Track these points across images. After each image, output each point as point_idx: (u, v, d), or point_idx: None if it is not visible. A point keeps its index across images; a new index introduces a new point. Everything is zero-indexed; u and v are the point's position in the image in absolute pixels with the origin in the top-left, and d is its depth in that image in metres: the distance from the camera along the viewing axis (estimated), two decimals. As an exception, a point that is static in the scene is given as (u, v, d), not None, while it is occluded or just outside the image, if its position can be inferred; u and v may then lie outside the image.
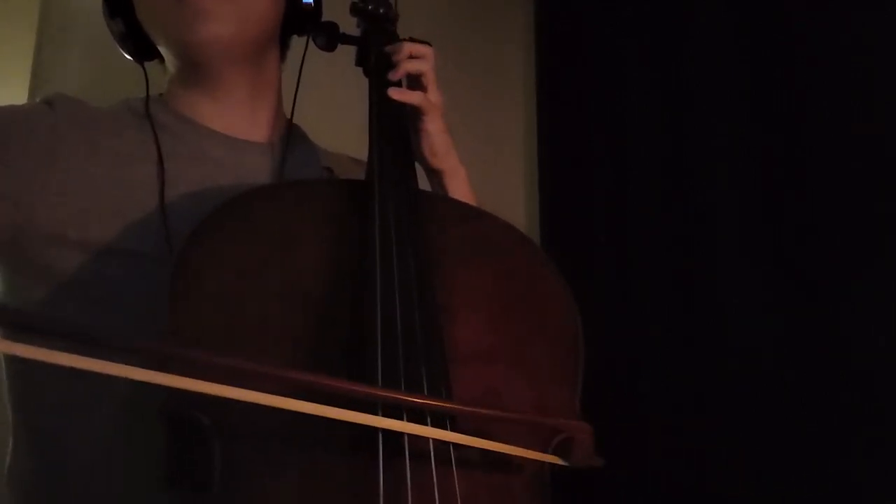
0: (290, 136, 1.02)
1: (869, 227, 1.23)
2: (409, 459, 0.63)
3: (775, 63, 1.42)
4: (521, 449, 0.68)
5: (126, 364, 0.53)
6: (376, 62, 0.99)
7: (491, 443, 0.66)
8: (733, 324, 1.41)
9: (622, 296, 1.64)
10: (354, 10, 1.05)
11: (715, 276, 1.47)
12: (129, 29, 0.96)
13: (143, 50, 0.98)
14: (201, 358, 0.56)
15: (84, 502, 0.81)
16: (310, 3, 1.00)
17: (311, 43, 1.05)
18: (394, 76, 0.97)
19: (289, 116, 1.03)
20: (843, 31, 1.31)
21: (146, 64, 1.00)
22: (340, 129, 1.10)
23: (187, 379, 0.55)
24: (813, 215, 1.31)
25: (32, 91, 1.50)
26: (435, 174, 1.03)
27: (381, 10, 1.04)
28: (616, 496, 1.42)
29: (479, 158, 1.14)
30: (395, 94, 0.95)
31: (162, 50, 0.97)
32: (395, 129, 0.93)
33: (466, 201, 1.00)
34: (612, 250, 1.70)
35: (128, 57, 1.01)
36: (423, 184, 0.98)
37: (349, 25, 1.06)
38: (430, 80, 0.99)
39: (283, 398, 0.57)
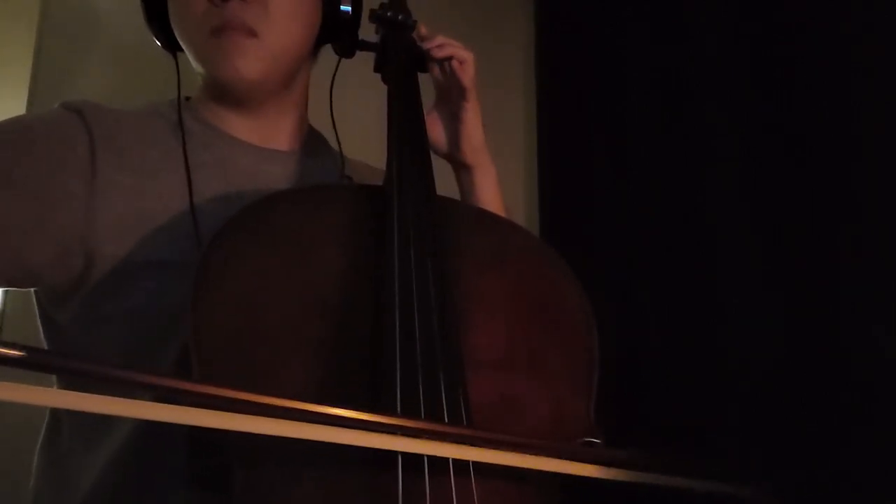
0: (312, 144, 1.02)
1: (869, 227, 1.23)
2: (428, 475, 0.63)
3: (775, 63, 1.43)
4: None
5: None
6: (394, 69, 0.99)
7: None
8: (733, 324, 1.41)
9: (622, 296, 1.64)
10: (373, 16, 1.05)
11: (715, 276, 1.47)
12: (162, 19, 0.95)
13: (176, 42, 0.97)
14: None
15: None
16: (348, 11, 0.99)
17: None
18: (439, 52, 0.98)
19: (316, 127, 1.04)
20: (844, 30, 1.31)
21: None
22: (359, 134, 1.10)
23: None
24: (813, 215, 1.31)
25: (32, 92, 1.48)
26: (467, 170, 1.03)
27: (400, 17, 1.04)
28: (616, 497, 1.42)
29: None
30: (446, 48, 0.98)
31: (192, 61, 0.96)
32: (414, 134, 0.93)
33: (495, 202, 1.01)
34: (612, 250, 1.70)
35: (157, 43, 0.99)
36: (443, 187, 0.98)
37: (367, 32, 1.06)
38: (470, 69, 1.00)
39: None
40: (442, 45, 1.00)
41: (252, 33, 0.89)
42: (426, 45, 1.01)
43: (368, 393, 0.66)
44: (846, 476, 1.20)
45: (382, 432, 0.60)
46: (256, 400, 0.56)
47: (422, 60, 1.04)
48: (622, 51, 1.75)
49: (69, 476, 0.84)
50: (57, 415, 0.89)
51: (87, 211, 0.83)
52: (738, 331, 1.40)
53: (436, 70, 1.02)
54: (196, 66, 0.95)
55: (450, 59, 1.00)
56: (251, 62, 0.89)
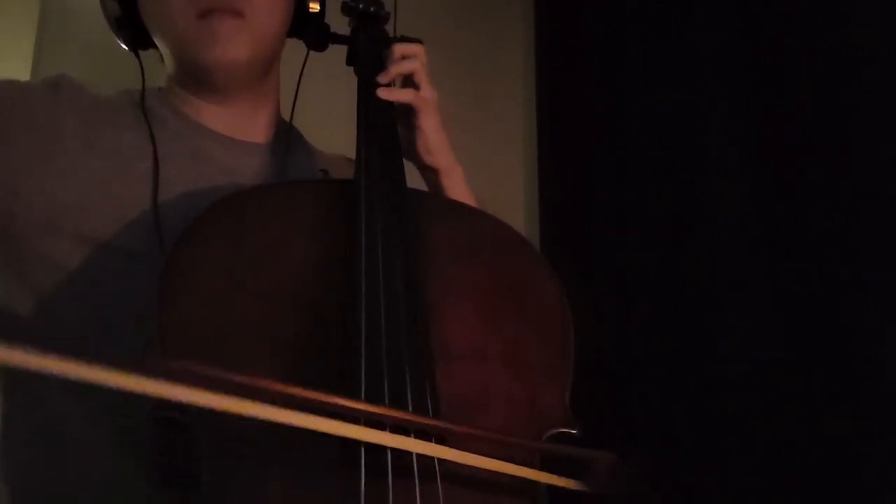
0: (287, 137, 1.02)
1: (869, 227, 1.22)
2: (392, 472, 0.62)
3: (776, 62, 1.42)
4: (510, 466, 0.66)
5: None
6: (366, 62, 0.99)
7: (479, 458, 0.64)
8: (733, 324, 1.41)
9: (622, 296, 1.64)
10: (345, 9, 1.05)
11: (715, 276, 1.47)
12: (127, 14, 0.94)
13: (140, 38, 0.96)
14: (176, 367, 0.55)
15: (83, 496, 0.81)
16: (315, 6, 1.00)
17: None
18: (383, 79, 0.97)
19: (288, 119, 1.04)
20: (844, 28, 1.30)
21: (142, 53, 0.98)
22: (334, 128, 1.11)
23: (166, 385, 0.54)
24: (813, 215, 1.31)
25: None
26: (430, 172, 1.02)
27: (372, 9, 1.04)
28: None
29: (479, 159, 1.13)
30: (384, 93, 0.95)
31: (162, 50, 0.96)
32: (383, 127, 0.93)
33: (464, 200, 1.00)
34: (611, 250, 1.69)
35: (123, 46, 0.99)
36: (417, 183, 0.98)
37: (341, 25, 1.06)
38: (421, 77, 0.98)
39: (262, 407, 0.56)
40: (390, 67, 0.98)
41: (239, 14, 0.89)
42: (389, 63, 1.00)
43: (334, 388, 0.66)
44: (847, 477, 1.18)
45: (343, 414, 0.59)
46: (219, 375, 0.55)
47: None
48: (622, 50, 1.75)
49: (24, 477, 0.85)
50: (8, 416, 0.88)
51: (45, 179, 0.83)
52: (738, 331, 1.39)
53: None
54: (177, 55, 0.94)
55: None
56: (238, 44, 0.90)
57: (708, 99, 1.54)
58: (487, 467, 0.65)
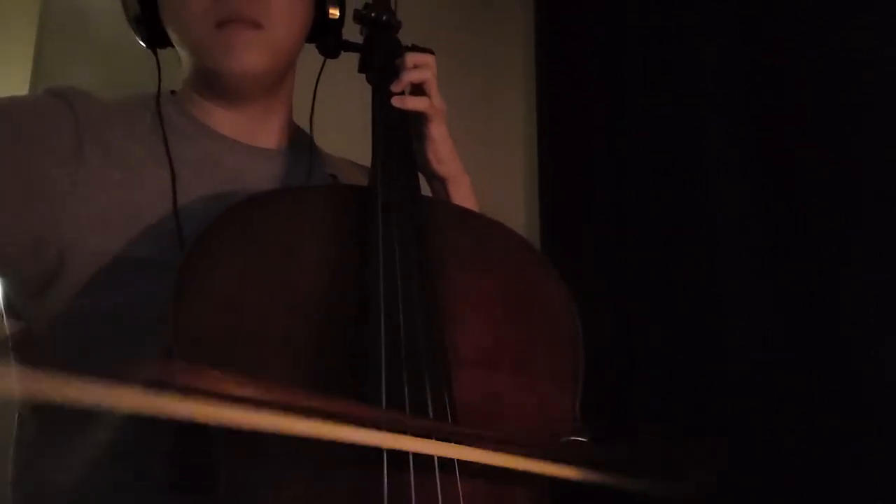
0: (298, 141, 1.02)
1: (869, 227, 1.23)
2: (413, 473, 0.63)
3: (776, 63, 1.42)
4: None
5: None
6: (379, 70, 0.99)
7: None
8: (733, 324, 1.41)
9: (622, 296, 1.64)
10: (357, 16, 1.05)
11: (715, 277, 1.47)
12: (146, 13, 0.94)
13: (158, 37, 0.96)
14: (200, 384, 0.55)
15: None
16: (335, 14, 1.00)
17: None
18: (396, 87, 0.97)
19: (300, 125, 1.03)
20: (844, 29, 1.30)
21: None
22: (346, 133, 1.11)
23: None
24: (813, 215, 1.31)
25: (33, 90, 1.49)
26: (439, 181, 1.03)
27: (384, 18, 1.04)
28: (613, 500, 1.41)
29: (479, 159, 1.13)
30: (398, 101, 0.96)
31: (180, 52, 0.95)
32: (397, 135, 0.93)
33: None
34: (611, 250, 1.70)
35: (141, 43, 0.98)
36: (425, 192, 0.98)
37: (352, 32, 1.06)
38: (431, 87, 0.99)
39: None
40: (403, 76, 0.99)
41: (257, 25, 0.89)
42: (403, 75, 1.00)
43: (353, 395, 0.66)
44: (847, 477, 1.19)
45: (367, 427, 0.60)
46: (242, 393, 0.56)
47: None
48: (622, 50, 1.75)
49: (39, 482, 0.83)
50: (23, 416, 0.87)
51: (69, 201, 0.82)
52: (738, 331, 1.40)
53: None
54: (193, 59, 0.94)
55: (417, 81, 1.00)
56: (256, 54, 0.90)
57: (708, 100, 1.54)
58: (503, 464, 0.66)
